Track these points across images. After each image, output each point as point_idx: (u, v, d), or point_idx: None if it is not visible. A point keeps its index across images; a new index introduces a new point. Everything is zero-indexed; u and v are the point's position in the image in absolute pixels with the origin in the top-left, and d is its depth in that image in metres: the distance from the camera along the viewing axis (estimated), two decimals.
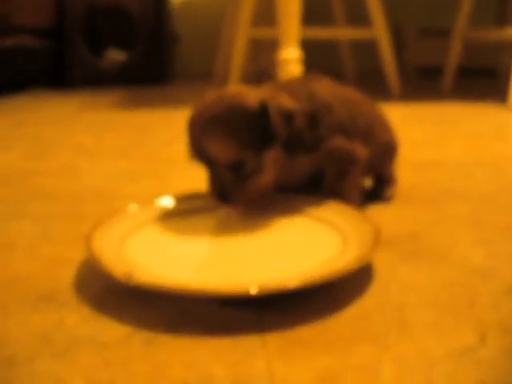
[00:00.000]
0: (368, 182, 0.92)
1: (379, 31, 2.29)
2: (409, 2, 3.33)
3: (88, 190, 0.98)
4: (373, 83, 2.84)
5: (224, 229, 0.71)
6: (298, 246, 0.67)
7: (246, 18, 2.23)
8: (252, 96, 0.69)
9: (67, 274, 0.64)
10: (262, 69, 2.94)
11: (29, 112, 2.01)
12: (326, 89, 0.79)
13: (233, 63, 2.29)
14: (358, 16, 2.61)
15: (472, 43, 2.50)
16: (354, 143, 0.78)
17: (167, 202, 0.77)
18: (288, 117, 0.69)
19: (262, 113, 0.68)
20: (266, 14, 2.56)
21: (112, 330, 0.52)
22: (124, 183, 1.03)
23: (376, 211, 0.84)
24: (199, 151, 0.69)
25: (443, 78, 2.51)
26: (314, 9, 2.28)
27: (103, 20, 3.01)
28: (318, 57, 2.53)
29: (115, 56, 3.04)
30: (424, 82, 2.85)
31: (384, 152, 0.87)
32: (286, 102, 0.70)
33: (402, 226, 0.79)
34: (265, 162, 0.70)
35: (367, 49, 2.60)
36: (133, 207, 0.74)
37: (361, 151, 0.78)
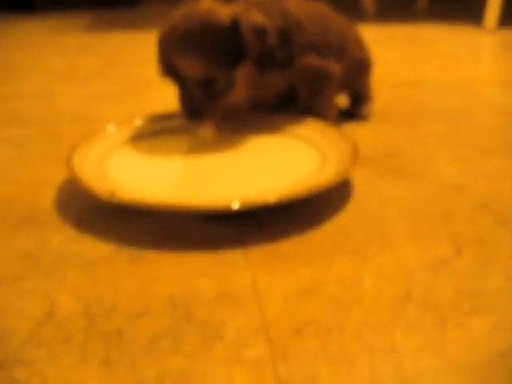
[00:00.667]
0: (345, 101, 0.92)
1: None
2: None
3: (63, 112, 0.97)
4: (346, 2, 2.80)
5: (201, 147, 0.71)
6: (276, 164, 0.67)
7: None
8: (224, 12, 0.68)
9: (47, 196, 0.64)
10: None
11: None
12: (297, 6, 0.77)
13: None
14: None
15: None
16: (327, 60, 0.77)
17: (143, 121, 0.76)
18: (260, 33, 0.69)
19: (233, 29, 0.67)
20: None
21: (97, 248, 0.52)
22: (99, 104, 1.01)
23: (353, 129, 0.84)
24: (169, 67, 0.69)
25: None
26: None
27: None
28: None
29: None
30: (398, 4, 2.81)
31: (358, 68, 0.87)
32: (258, 18, 0.69)
33: (379, 143, 0.79)
34: (236, 78, 0.69)
35: None
36: (110, 128, 0.73)
37: (334, 67, 0.78)
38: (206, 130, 0.72)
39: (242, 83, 0.71)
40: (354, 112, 0.90)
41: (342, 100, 0.92)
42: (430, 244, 0.53)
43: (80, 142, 0.68)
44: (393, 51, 1.51)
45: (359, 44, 0.87)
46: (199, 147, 0.71)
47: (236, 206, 0.52)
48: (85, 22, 2.25)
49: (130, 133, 0.74)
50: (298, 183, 0.59)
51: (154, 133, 0.75)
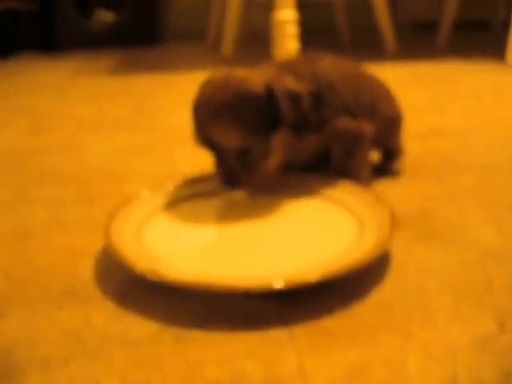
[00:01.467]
0: (375, 157, 0.92)
1: None
2: None
3: (94, 168, 0.98)
4: (367, 41, 2.82)
5: (237, 213, 0.72)
6: (314, 231, 0.67)
7: None
8: (257, 80, 0.69)
9: (86, 266, 0.64)
10: (254, 27, 2.90)
11: (21, 79, 1.99)
12: (328, 66, 0.79)
13: (227, 25, 2.26)
14: None
15: None
16: (360, 121, 0.78)
17: (177, 185, 0.77)
18: (295, 99, 0.69)
19: (268, 97, 0.68)
20: None
21: (140, 327, 0.53)
22: (129, 159, 1.03)
23: (385, 187, 0.84)
24: (205, 138, 0.70)
25: (439, 33, 2.49)
26: None
27: None
28: (311, 15, 2.50)
29: (105, 17, 2.99)
30: (418, 38, 2.83)
31: (389, 125, 0.88)
32: (292, 84, 0.70)
33: (412, 202, 0.79)
34: (272, 146, 0.70)
35: (360, 5, 2.57)
36: (144, 193, 0.74)
37: (367, 128, 0.79)
38: (243, 195, 0.73)
39: (278, 150, 0.72)
40: (386, 168, 0.90)
41: (373, 155, 0.92)
42: (472, 319, 0.53)
43: (116, 211, 0.68)
44: (416, 93, 1.51)
45: (390, 101, 0.88)
46: (235, 212, 0.72)
47: (278, 285, 0.52)
48: (109, 62, 2.28)
49: (164, 198, 0.74)
50: (340, 258, 0.59)
51: (189, 197, 0.76)
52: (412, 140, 1.03)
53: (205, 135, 0.69)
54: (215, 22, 2.67)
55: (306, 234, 0.67)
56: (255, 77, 0.70)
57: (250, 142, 0.68)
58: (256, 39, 2.82)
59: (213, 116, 0.68)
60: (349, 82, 0.79)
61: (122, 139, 1.16)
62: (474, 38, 2.63)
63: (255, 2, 2.69)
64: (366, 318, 0.53)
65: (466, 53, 2.17)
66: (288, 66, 0.76)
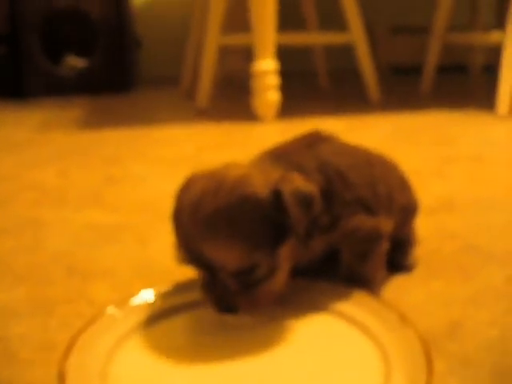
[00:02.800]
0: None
1: (356, 34, 2.17)
2: (380, 0, 3.23)
3: (55, 259, 0.83)
4: (348, 87, 2.73)
5: (232, 336, 0.57)
6: (326, 366, 0.52)
7: (216, 24, 2.08)
8: (259, 180, 0.55)
9: None
10: (230, 74, 2.80)
11: None
12: (336, 152, 0.65)
13: (202, 71, 2.14)
14: (330, 19, 2.50)
15: (448, 42, 2.40)
16: (377, 217, 0.64)
17: (148, 299, 0.62)
18: (306, 203, 0.55)
19: (274, 203, 0.54)
20: (236, 18, 2.42)
21: None
22: (95, 247, 0.88)
23: (399, 289, 0.71)
24: (194, 256, 0.54)
25: (422, 79, 2.41)
26: (286, 13, 2.14)
27: (61, 25, 2.83)
28: (290, 62, 2.41)
29: (75, 63, 2.87)
30: (400, 83, 2.75)
31: (405, 216, 0.74)
32: (302, 184, 0.56)
33: (435, 311, 0.66)
34: (279, 260, 0.55)
35: (340, 49, 2.48)
36: (110, 311, 0.59)
37: (386, 225, 0.65)
38: (240, 320, 0.58)
39: (286, 263, 0.57)
40: (397, 262, 0.76)
41: None
42: None
43: (73, 342, 0.53)
44: (408, 152, 1.39)
45: (405, 188, 0.74)
46: (229, 335, 0.57)
47: None
48: (78, 113, 2.15)
49: (133, 319, 0.59)
50: None
51: (168, 312, 0.61)
52: (420, 217, 0.90)
53: (194, 253, 0.54)
54: (190, 69, 2.55)
55: (318, 370, 0.52)
56: (256, 175, 0.55)
57: (254, 259, 0.53)
58: (232, 87, 2.71)
59: (204, 228, 0.52)
60: (361, 170, 0.65)
61: (88, 218, 1.01)
62: (455, 83, 2.56)
63: (231, 48, 2.59)
64: None
65: (451, 100, 2.08)
66: (285, 155, 0.62)
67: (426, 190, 1.09)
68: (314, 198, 0.56)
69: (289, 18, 2.30)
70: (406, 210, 0.73)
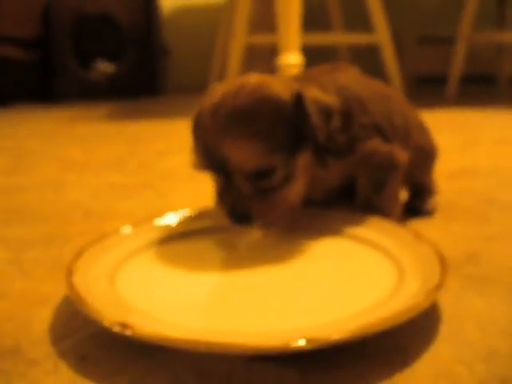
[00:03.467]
0: (403, 194, 0.78)
1: (382, 36, 2.17)
2: (406, 10, 3.23)
3: (75, 206, 0.84)
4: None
5: (241, 255, 0.56)
6: (340, 277, 0.52)
7: (242, 24, 2.10)
8: (280, 86, 0.54)
9: (42, 318, 0.49)
10: None
11: (13, 126, 1.87)
12: (355, 80, 0.64)
13: (229, 70, 2.16)
14: (355, 22, 2.50)
15: (475, 49, 2.38)
16: (393, 146, 0.63)
17: (166, 221, 0.62)
18: (326, 113, 0.54)
19: (296, 107, 0.53)
20: (263, 21, 2.44)
21: None
22: (116, 199, 0.88)
23: (419, 228, 0.70)
24: (211, 156, 0.53)
25: (447, 84, 2.39)
26: (312, 14, 2.15)
27: (91, 30, 2.88)
28: (316, 64, 2.41)
29: (104, 68, 2.91)
30: (425, 90, 2.73)
31: (423, 158, 0.73)
32: (321, 95, 0.56)
33: (454, 245, 0.65)
34: (296, 167, 0.54)
35: (366, 55, 2.48)
36: (125, 229, 0.59)
37: (401, 155, 0.64)
38: (253, 235, 0.57)
39: (302, 174, 0.56)
40: (417, 207, 0.75)
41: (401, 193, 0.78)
42: None
43: (86, 248, 0.54)
44: (438, 138, 1.38)
45: (424, 130, 0.74)
46: (237, 256, 0.57)
47: (297, 344, 0.37)
48: (105, 111, 2.17)
49: (148, 236, 0.59)
50: (376, 309, 0.43)
51: (179, 236, 0.61)
52: (442, 180, 0.88)
53: (212, 153, 0.53)
54: (217, 74, 2.57)
55: (332, 281, 0.51)
56: (277, 83, 0.55)
57: (273, 161, 0.52)
58: None
59: (225, 127, 0.51)
60: (379, 100, 0.64)
61: (109, 179, 1.02)
62: (482, 92, 2.53)
63: (258, 50, 2.60)
64: None
65: (476, 104, 2.06)
66: (307, 77, 0.61)
67: (448, 161, 1.08)
68: (333, 109, 0.55)
69: (315, 20, 2.31)
70: (424, 152, 0.73)
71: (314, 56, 2.16)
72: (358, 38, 2.24)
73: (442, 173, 0.93)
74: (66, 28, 2.77)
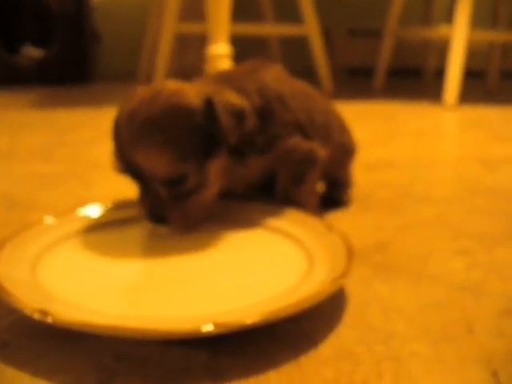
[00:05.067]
0: (320, 186, 0.81)
1: (310, 27, 2.21)
2: (337, 3, 3.28)
3: None
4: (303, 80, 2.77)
5: (161, 245, 0.59)
6: (253, 266, 0.55)
7: (172, 12, 2.11)
8: (193, 92, 0.57)
9: None
10: (187, 66, 2.81)
11: None
12: (277, 79, 0.67)
13: (158, 59, 2.16)
14: (285, 14, 2.53)
15: (402, 43, 2.46)
16: (313, 142, 0.67)
17: (90, 211, 0.64)
18: (238, 116, 0.57)
19: (206, 113, 0.56)
20: (193, 9, 2.44)
21: None
22: (41, 189, 0.88)
23: (334, 219, 0.74)
24: (127, 163, 0.56)
25: (374, 76, 2.46)
26: (241, 5, 2.17)
27: (19, 14, 2.81)
28: (246, 53, 2.43)
29: (32, 53, 2.84)
30: (355, 82, 2.80)
31: (341, 154, 0.76)
32: (233, 98, 0.58)
33: (366, 234, 0.69)
34: (209, 173, 0.57)
35: (296, 47, 2.52)
36: (48, 219, 0.61)
37: (320, 151, 0.67)
38: (169, 232, 0.59)
39: (216, 178, 0.59)
40: (333, 198, 0.79)
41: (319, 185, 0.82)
42: (458, 369, 0.41)
43: (8, 238, 0.55)
44: (358, 129, 1.43)
45: (343, 127, 0.77)
46: (157, 245, 0.59)
47: (207, 328, 0.40)
48: (33, 98, 2.13)
49: (71, 226, 0.61)
50: (284, 295, 0.47)
51: (101, 226, 0.62)
52: (359, 171, 0.93)
53: (127, 159, 0.55)
54: (147, 61, 2.57)
55: (245, 270, 0.54)
56: (190, 89, 0.57)
57: (183, 169, 0.55)
58: (189, 78, 2.72)
59: (137, 135, 0.54)
60: (301, 97, 0.67)
61: (35, 169, 1.02)
62: (408, 84, 2.62)
63: (190, 39, 2.61)
64: (323, 372, 0.41)
65: (402, 96, 2.13)
66: (228, 78, 0.63)
67: (367, 153, 1.12)
68: (245, 112, 0.58)
69: (245, 10, 2.33)
70: (343, 149, 0.76)
71: (244, 47, 2.18)
72: (288, 30, 2.27)
73: (362, 165, 0.98)
74: None
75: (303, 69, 2.65)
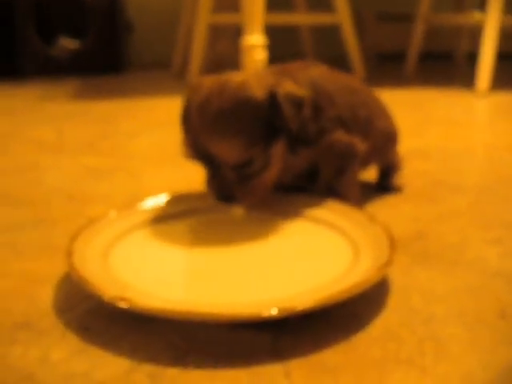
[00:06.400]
0: (373, 174, 0.86)
1: (342, 16, 2.24)
2: None
3: (55, 190, 0.90)
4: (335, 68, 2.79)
5: (220, 236, 0.64)
6: (304, 255, 0.60)
7: (206, 2, 2.15)
8: (257, 84, 0.62)
9: (44, 294, 0.56)
10: (219, 55, 2.86)
11: None
12: (325, 77, 0.73)
13: (193, 50, 2.21)
14: (317, 1, 2.56)
15: (434, 27, 2.47)
16: (354, 136, 0.72)
17: (149, 205, 0.69)
18: (298, 105, 0.63)
19: (270, 103, 0.61)
20: (225, 0, 2.48)
21: (108, 365, 0.44)
22: (93, 181, 0.94)
23: (374, 209, 0.78)
24: (200, 150, 0.62)
25: (406, 62, 2.48)
26: None
27: (55, 6, 2.88)
28: (278, 43, 2.47)
29: (67, 44, 2.91)
30: (386, 68, 2.81)
31: (385, 141, 0.82)
32: (294, 88, 0.64)
33: (405, 224, 0.73)
34: (271, 156, 0.64)
35: (327, 35, 2.55)
36: (112, 213, 0.66)
37: (360, 145, 0.72)
38: (239, 211, 0.67)
39: (277, 161, 0.65)
40: (385, 185, 0.86)
41: (371, 172, 0.87)
42: (490, 349, 0.46)
43: (79, 232, 0.60)
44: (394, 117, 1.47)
45: (385, 115, 0.82)
46: (216, 235, 0.65)
47: (269, 313, 0.45)
48: (70, 88, 2.20)
49: (136, 219, 0.66)
50: (335, 282, 0.52)
51: (162, 218, 0.68)
52: None
53: (200, 146, 0.62)
54: (181, 51, 2.61)
55: (297, 258, 0.59)
56: (255, 81, 0.63)
57: (251, 154, 0.61)
58: (222, 67, 2.77)
59: (211, 126, 0.60)
60: (345, 93, 0.73)
61: (84, 162, 1.08)
62: (439, 69, 2.63)
63: (222, 29, 2.65)
64: (372, 351, 0.46)
65: (433, 81, 2.15)
66: (284, 71, 0.69)
67: (403, 143, 1.16)
68: (304, 100, 0.64)
69: (276, 1, 2.36)
70: (386, 136, 0.82)
71: (276, 37, 2.22)
72: (321, 18, 2.30)
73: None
74: (28, 4, 2.76)
75: (334, 56, 2.68)
